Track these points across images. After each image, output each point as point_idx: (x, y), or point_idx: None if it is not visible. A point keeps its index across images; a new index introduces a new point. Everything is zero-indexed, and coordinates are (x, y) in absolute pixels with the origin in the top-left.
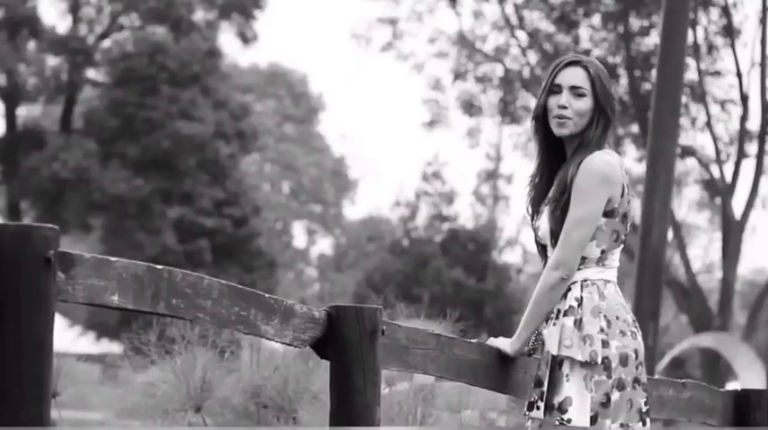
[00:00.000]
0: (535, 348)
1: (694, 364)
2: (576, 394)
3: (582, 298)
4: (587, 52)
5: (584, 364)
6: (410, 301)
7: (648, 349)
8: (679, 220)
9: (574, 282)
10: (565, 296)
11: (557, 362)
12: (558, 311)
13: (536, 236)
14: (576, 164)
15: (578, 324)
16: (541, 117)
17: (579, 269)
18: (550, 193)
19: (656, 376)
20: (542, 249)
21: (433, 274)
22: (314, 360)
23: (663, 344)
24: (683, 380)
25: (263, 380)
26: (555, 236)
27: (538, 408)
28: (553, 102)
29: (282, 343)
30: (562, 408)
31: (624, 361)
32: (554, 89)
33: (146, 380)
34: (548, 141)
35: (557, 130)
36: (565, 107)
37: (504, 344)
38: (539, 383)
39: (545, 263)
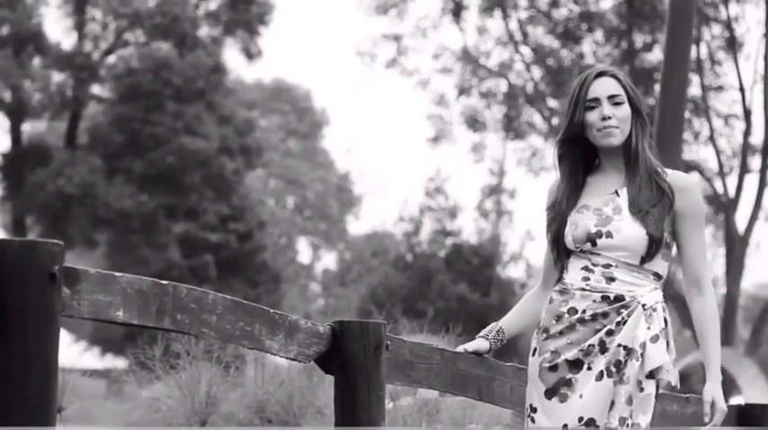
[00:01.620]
0: (498, 344)
1: (698, 379)
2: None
3: (666, 320)
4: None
5: (665, 389)
6: (414, 316)
7: None
8: None
9: (657, 302)
10: (651, 317)
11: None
12: (651, 332)
13: (583, 236)
14: (653, 174)
15: (668, 347)
16: (575, 137)
17: (656, 289)
18: (630, 200)
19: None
20: (578, 247)
21: (437, 289)
22: (318, 375)
23: None
24: (687, 395)
25: (268, 395)
26: (654, 244)
27: (628, 426)
28: (594, 116)
29: (287, 358)
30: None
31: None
32: (590, 104)
33: (151, 394)
34: (577, 164)
35: (605, 141)
36: (609, 117)
37: (480, 343)
38: (630, 400)
39: (558, 258)
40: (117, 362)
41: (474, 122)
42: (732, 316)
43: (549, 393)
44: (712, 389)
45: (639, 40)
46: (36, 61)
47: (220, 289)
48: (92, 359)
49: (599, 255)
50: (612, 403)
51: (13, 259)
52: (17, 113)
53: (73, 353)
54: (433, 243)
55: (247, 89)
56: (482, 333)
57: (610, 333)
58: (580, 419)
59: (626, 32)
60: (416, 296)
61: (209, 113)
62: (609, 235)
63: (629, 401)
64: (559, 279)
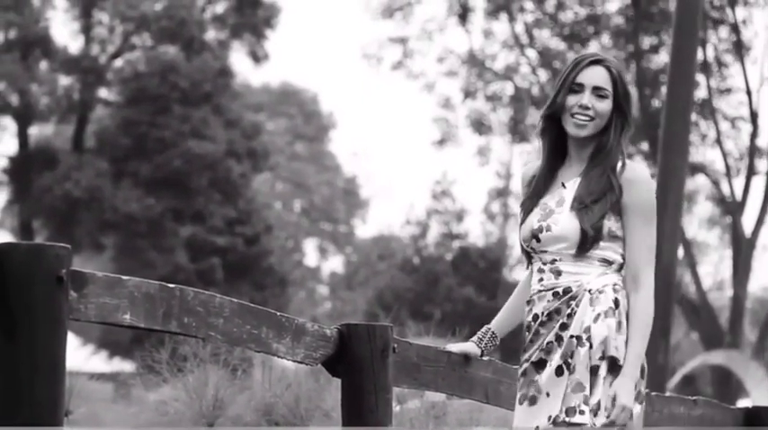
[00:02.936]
0: (491, 349)
1: (705, 381)
2: (608, 400)
3: (618, 300)
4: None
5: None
6: (421, 319)
7: (659, 366)
8: (689, 238)
9: (605, 285)
10: (597, 298)
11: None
12: (596, 313)
13: (528, 234)
14: (608, 170)
15: (619, 327)
16: (556, 115)
17: (606, 274)
18: (576, 194)
19: (668, 393)
20: (529, 247)
21: (443, 292)
22: (325, 378)
23: (674, 361)
24: (695, 398)
25: (275, 398)
26: (586, 239)
27: (582, 413)
28: (573, 101)
29: (294, 361)
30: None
31: (642, 372)
32: (575, 88)
33: (158, 398)
34: (556, 141)
35: (574, 131)
36: (587, 108)
37: (470, 347)
38: (579, 387)
39: (529, 261)
40: (124, 366)
41: (480, 125)
42: (739, 319)
43: (522, 399)
44: (619, 384)
45: (646, 42)
46: (43, 65)
47: (227, 292)
48: (99, 362)
49: (546, 251)
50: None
51: (20, 263)
52: (24, 117)
53: (80, 356)
54: (439, 246)
55: (254, 92)
56: (475, 338)
57: (564, 327)
58: (549, 418)
59: (632, 35)
60: (423, 299)
61: (215, 117)
62: (548, 228)
63: (578, 388)
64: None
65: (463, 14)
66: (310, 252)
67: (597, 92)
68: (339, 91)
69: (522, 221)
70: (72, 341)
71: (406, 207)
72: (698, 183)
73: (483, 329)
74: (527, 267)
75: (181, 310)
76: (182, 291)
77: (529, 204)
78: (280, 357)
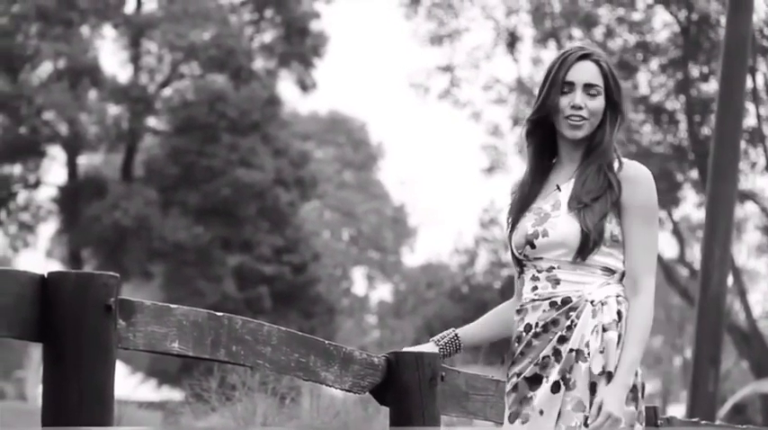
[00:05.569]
0: (450, 352)
1: (755, 410)
2: (594, 408)
3: (621, 313)
4: (645, 98)
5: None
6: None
7: (709, 395)
8: (739, 266)
9: (608, 296)
10: (600, 310)
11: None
12: (595, 326)
13: (522, 240)
14: (604, 167)
15: (620, 340)
16: (544, 117)
17: (609, 284)
18: (573, 194)
19: (718, 422)
20: (522, 254)
21: None
22: (373, 406)
23: (724, 389)
24: (745, 426)
25: (324, 426)
26: (587, 240)
27: None
28: (565, 101)
29: (342, 389)
30: None
31: (643, 392)
32: (565, 88)
33: (207, 426)
34: (543, 143)
35: (569, 133)
36: (580, 107)
37: (427, 347)
38: (580, 406)
39: (520, 271)
40: (173, 394)
41: None
42: None
43: (513, 416)
44: (607, 391)
45: (695, 70)
46: (92, 94)
47: (275, 321)
48: (148, 391)
49: (541, 258)
50: (559, 413)
51: (69, 291)
52: (73, 146)
53: (129, 385)
54: (488, 274)
55: (302, 121)
56: (435, 337)
57: (562, 340)
58: None
59: (682, 63)
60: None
61: (264, 145)
62: (545, 233)
63: (579, 408)
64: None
65: (511, 42)
66: (358, 280)
67: (588, 89)
68: (387, 119)
69: (512, 228)
70: (121, 369)
71: (454, 235)
72: (747, 211)
73: (447, 331)
74: (518, 276)
75: (229, 339)
76: (230, 319)
77: (518, 209)
78: (328, 385)
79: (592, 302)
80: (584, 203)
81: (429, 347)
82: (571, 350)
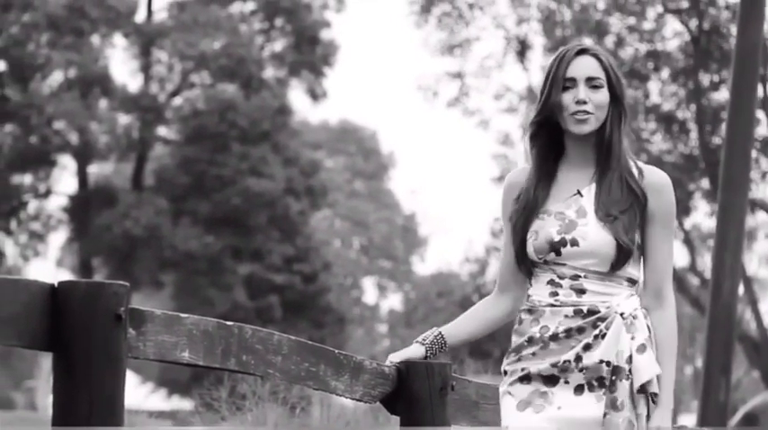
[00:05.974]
0: (436, 352)
1: (767, 419)
2: None
3: (649, 327)
4: (656, 107)
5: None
6: (480, 357)
7: (720, 404)
8: (750, 275)
9: (636, 308)
10: (633, 325)
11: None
12: (632, 342)
13: (545, 246)
14: (625, 174)
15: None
16: (548, 118)
17: (633, 295)
18: (599, 203)
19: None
20: (541, 259)
21: (503, 330)
22: (384, 415)
23: (735, 399)
24: None
25: None
26: (622, 253)
27: None
28: (568, 98)
29: (352, 398)
30: None
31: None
32: (567, 84)
33: None
34: (548, 143)
35: (577, 128)
36: (585, 102)
37: (413, 351)
38: (631, 427)
39: (528, 271)
40: (183, 404)
41: None
42: None
43: (523, 405)
44: (659, 417)
45: (706, 79)
46: (102, 103)
47: (285, 330)
48: (158, 400)
49: (564, 265)
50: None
51: (79, 300)
52: (84, 155)
53: (139, 394)
54: None
55: (313, 130)
56: (419, 338)
57: (587, 347)
58: None
59: (693, 71)
60: (482, 337)
61: (274, 155)
62: (574, 242)
63: (629, 428)
64: (528, 296)
65: (522, 51)
66: (369, 289)
67: (591, 83)
68: (397, 128)
69: (523, 230)
70: (131, 379)
71: (464, 244)
72: (758, 220)
73: (431, 329)
74: (524, 275)
75: (239, 348)
76: (240, 328)
77: (528, 212)
78: (338, 395)
79: (622, 315)
80: (614, 215)
81: (415, 349)
82: (601, 361)
